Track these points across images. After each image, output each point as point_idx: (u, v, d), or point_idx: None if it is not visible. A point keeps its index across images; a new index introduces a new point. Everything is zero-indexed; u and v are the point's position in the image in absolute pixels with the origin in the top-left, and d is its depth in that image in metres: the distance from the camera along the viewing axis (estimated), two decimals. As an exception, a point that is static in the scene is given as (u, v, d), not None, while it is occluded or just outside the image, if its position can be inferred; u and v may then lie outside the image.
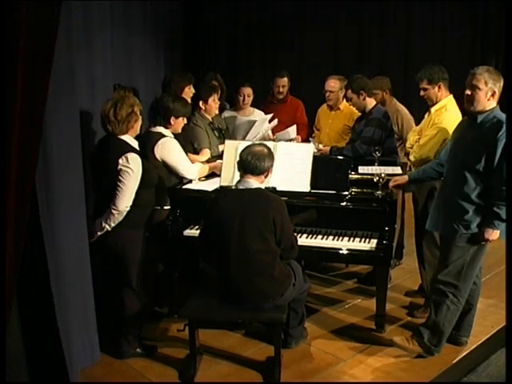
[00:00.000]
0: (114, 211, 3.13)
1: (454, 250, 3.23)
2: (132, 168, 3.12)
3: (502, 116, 3.09)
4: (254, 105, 5.12)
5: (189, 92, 4.39)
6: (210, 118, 4.54)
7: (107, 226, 3.17)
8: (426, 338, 3.33)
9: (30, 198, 2.30)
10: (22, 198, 2.19)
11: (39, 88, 2.20)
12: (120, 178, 3.11)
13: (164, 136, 3.66)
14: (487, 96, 3.08)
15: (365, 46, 7.45)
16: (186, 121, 3.82)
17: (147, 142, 3.58)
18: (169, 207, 3.70)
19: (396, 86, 5.05)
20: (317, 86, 5.19)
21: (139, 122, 3.30)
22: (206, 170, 3.96)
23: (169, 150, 3.64)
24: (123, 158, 3.11)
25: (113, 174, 3.12)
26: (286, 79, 5.29)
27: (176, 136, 3.80)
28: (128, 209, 3.15)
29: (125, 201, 3.13)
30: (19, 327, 2.63)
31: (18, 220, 2.14)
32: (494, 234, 3.12)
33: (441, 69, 3.74)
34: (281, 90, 5.29)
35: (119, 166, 3.11)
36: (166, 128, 3.71)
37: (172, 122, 3.70)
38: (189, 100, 4.32)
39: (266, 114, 5.12)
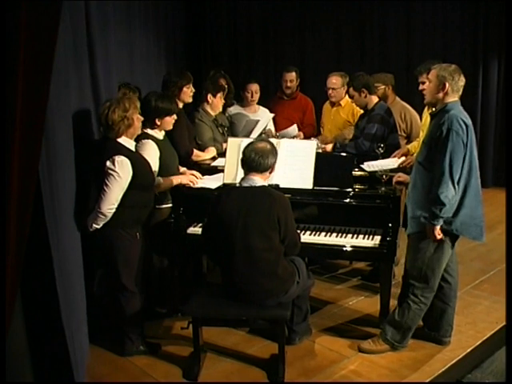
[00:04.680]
0: (98, 213, 3.10)
1: (413, 251, 3.22)
2: (118, 171, 3.06)
3: (452, 108, 3.01)
4: (257, 102, 5.10)
5: (188, 91, 4.21)
6: (213, 115, 4.53)
7: (95, 225, 3.14)
8: (390, 335, 3.33)
9: (34, 196, 2.30)
10: (24, 196, 2.18)
11: (40, 87, 2.20)
12: (105, 180, 3.07)
13: (147, 136, 3.53)
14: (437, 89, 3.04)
15: (367, 43, 7.44)
16: (175, 117, 3.65)
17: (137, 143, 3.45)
18: (166, 205, 3.64)
19: (398, 85, 5.00)
20: (319, 83, 5.16)
21: (137, 124, 3.23)
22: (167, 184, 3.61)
23: (143, 151, 3.45)
24: (109, 160, 3.06)
25: (102, 175, 3.10)
26: (293, 74, 5.22)
27: (177, 132, 3.76)
28: (112, 211, 3.10)
29: (107, 204, 3.08)
30: (23, 326, 2.62)
31: (20, 216, 2.14)
32: (433, 230, 3.03)
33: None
34: (289, 84, 5.22)
35: (105, 169, 3.07)
36: (153, 129, 3.58)
37: (158, 123, 3.57)
38: (189, 99, 4.25)
39: (274, 110, 5.09)
